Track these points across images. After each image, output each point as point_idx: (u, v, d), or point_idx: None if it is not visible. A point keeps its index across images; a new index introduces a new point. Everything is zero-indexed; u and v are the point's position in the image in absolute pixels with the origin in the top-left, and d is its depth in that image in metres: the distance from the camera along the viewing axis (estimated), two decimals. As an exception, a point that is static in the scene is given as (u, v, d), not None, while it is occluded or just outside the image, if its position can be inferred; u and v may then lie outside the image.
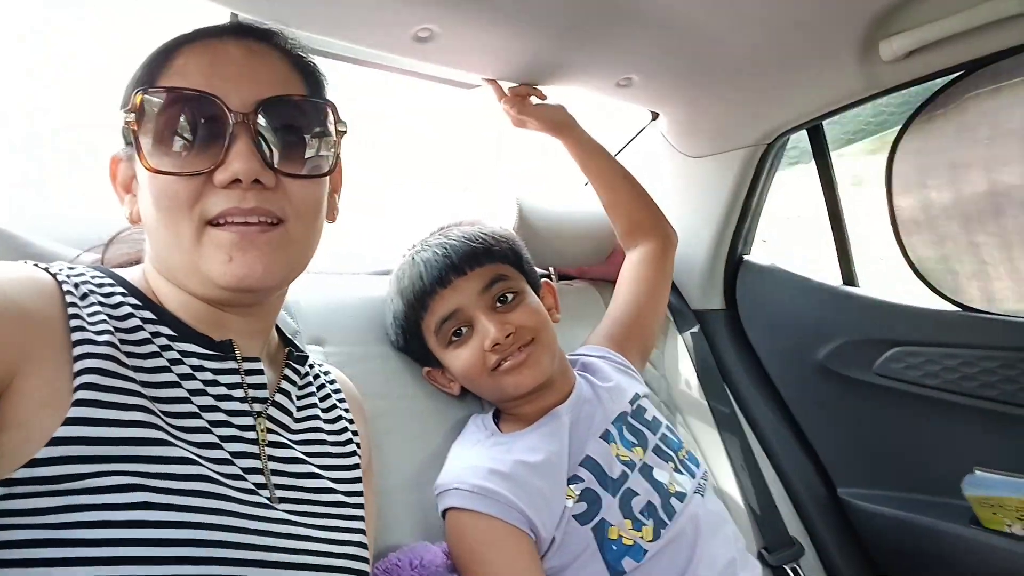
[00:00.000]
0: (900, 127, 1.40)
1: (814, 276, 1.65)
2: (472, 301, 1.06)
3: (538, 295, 1.17)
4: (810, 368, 1.62)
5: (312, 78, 0.75)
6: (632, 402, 1.16)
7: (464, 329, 1.06)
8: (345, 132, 0.74)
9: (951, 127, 1.34)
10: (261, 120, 0.66)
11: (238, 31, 0.71)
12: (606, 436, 1.07)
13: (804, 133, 1.58)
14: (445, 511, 0.99)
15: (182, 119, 0.65)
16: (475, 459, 1.03)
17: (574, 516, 0.97)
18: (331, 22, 1.08)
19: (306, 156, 0.70)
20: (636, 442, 1.09)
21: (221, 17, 1.05)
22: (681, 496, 1.05)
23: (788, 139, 1.62)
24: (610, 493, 1.00)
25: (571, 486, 0.99)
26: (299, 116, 0.70)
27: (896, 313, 1.47)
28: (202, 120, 0.65)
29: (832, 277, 1.62)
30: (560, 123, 1.41)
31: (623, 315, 1.33)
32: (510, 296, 1.09)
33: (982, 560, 1.31)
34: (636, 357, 1.30)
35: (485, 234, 1.12)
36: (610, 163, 1.44)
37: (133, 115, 0.64)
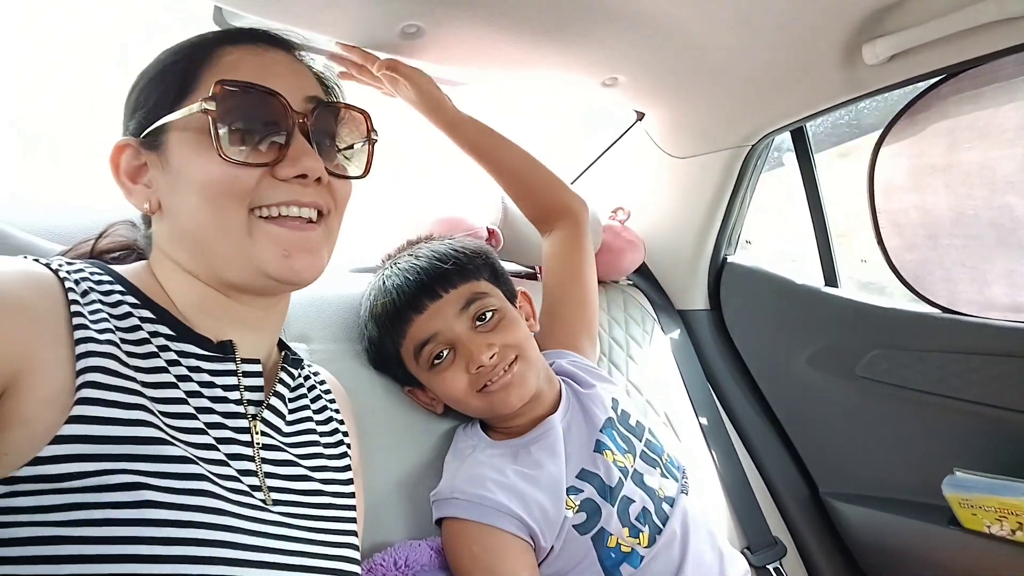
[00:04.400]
0: (882, 130, 1.42)
1: (797, 278, 1.67)
2: (450, 324, 1.02)
3: (514, 305, 1.14)
4: (793, 369, 1.63)
5: (328, 88, 0.80)
6: (614, 408, 1.14)
7: (445, 352, 1.03)
8: (377, 140, 0.80)
9: (933, 130, 1.35)
10: (316, 121, 0.71)
11: (275, 40, 0.75)
12: (599, 447, 1.05)
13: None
14: (441, 519, 0.98)
15: (250, 112, 0.67)
16: (471, 468, 1.01)
17: (574, 526, 0.96)
18: (318, 18, 1.08)
19: (348, 156, 0.78)
20: (627, 448, 1.08)
21: (204, 8, 1.04)
22: (670, 500, 1.05)
23: (772, 140, 1.64)
24: (609, 503, 0.99)
25: (570, 496, 0.98)
26: (345, 120, 0.77)
27: (878, 315, 1.48)
28: (269, 115, 0.68)
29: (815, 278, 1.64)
30: (425, 94, 1.23)
31: (561, 309, 1.28)
32: (489, 314, 1.05)
33: (961, 560, 1.32)
34: (589, 347, 1.28)
35: (456, 250, 1.08)
36: (500, 144, 1.29)
37: (213, 104, 0.65)
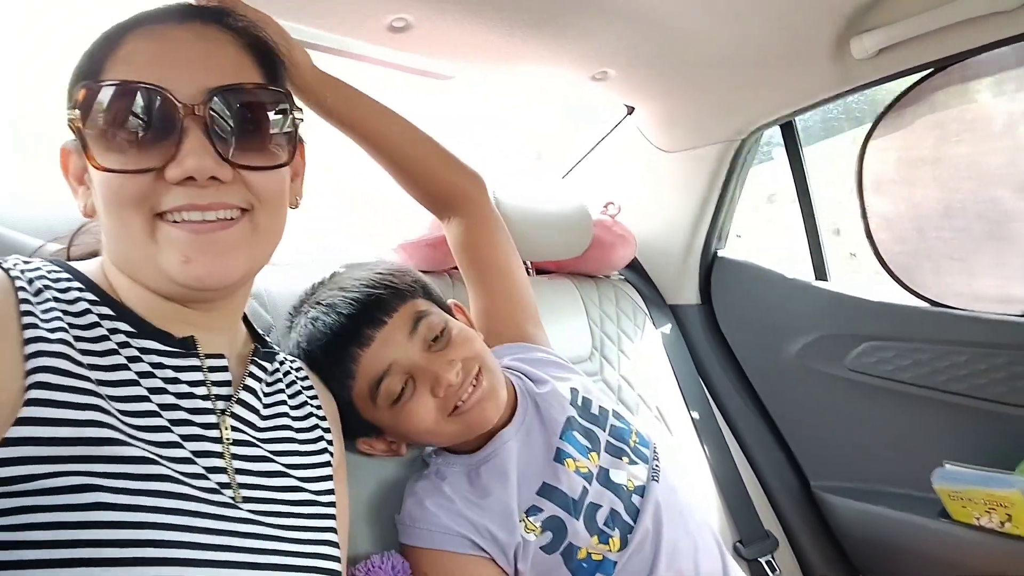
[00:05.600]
0: (871, 124, 1.42)
1: (787, 271, 1.67)
2: (403, 350, 0.93)
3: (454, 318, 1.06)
4: (784, 363, 1.63)
5: (266, 60, 0.71)
6: (573, 400, 1.08)
7: (404, 382, 0.93)
8: (302, 119, 0.71)
9: (921, 124, 1.36)
10: (213, 110, 0.62)
11: (185, 14, 0.67)
12: (559, 456, 0.99)
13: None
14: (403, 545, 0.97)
15: (129, 113, 0.61)
16: (423, 494, 0.97)
17: (540, 548, 0.93)
18: (305, 10, 1.07)
19: (263, 146, 0.67)
20: (590, 446, 1.03)
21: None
22: (640, 490, 1.01)
23: (762, 134, 1.64)
24: (574, 516, 0.94)
25: (531, 518, 0.94)
26: (253, 105, 0.67)
27: (867, 308, 1.49)
28: (151, 113, 0.61)
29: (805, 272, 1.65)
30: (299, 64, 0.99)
31: (491, 304, 1.19)
32: (439, 331, 0.96)
33: (951, 552, 1.33)
34: (532, 328, 1.21)
35: (382, 274, 0.98)
36: (381, 115, 1.10)
37: (77, 111, 0.61)
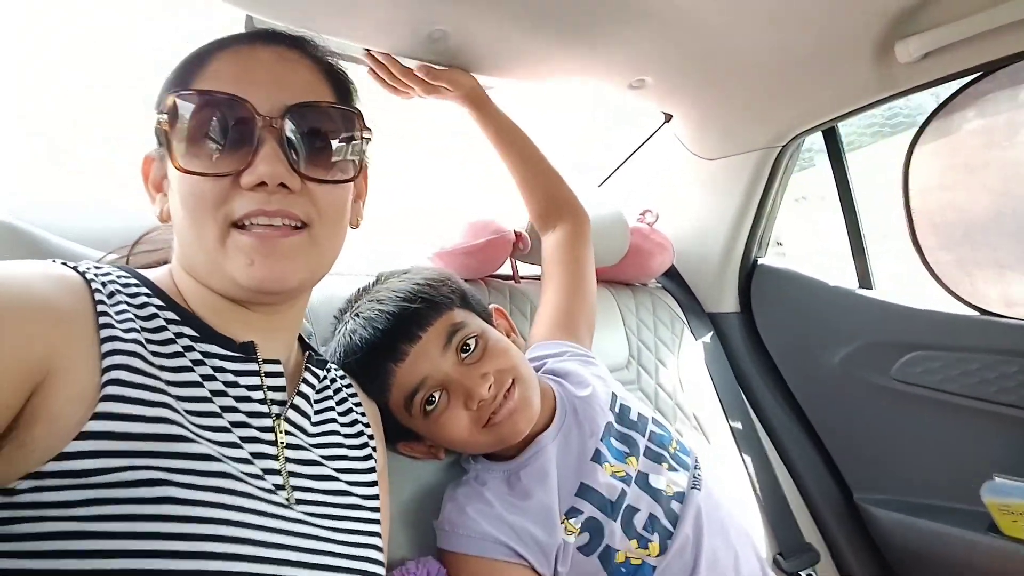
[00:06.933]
0: (917, 129, 1.39)
1: (830, 280, 1.65)
2: (437, 364, 0.94)
3: (491, 324, 1.07)
4: (826, 372, 1.61)
5: (340, 85, 0.77)
6: (612, 407, 1.09)
7: (437, 394, 0.94)
8: (370, 139, 0.76)
9: (968, 129, 1.33)
10: (288, 124, 0.67)
11: (269, 37, 0.72)
12: (597, 457, 1.00)
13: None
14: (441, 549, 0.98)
15: (212, 121, 0.66)
16: (464, 499, 0.98)
17: (578, 548, 0.93)
18: (346, 25, 1.10)
19: (331, 161, 0.72)
20: (628, 451, 1.04)
21: (236, 18, 1.06)
22: (680, 496, 1.02)
23: (803, 141, 1.62)
24: (612, 518, 0.95)
25: (571, 520, 0.95)
26: (326, 122, 0.72)
27: (914, 317, 1.46)
28: (232, 123, 0.66)
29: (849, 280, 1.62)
30: (472, 92, 1.30)
31: (565, 299, 1.27)
32: (473, 343, 0.97)
33: (1001, 568, 1.30)
34: (587, 337, 1.27)
35: (420, 285, 0.99)
36: (525, 139, 1.35)
37: (166, 116, 0.65)
